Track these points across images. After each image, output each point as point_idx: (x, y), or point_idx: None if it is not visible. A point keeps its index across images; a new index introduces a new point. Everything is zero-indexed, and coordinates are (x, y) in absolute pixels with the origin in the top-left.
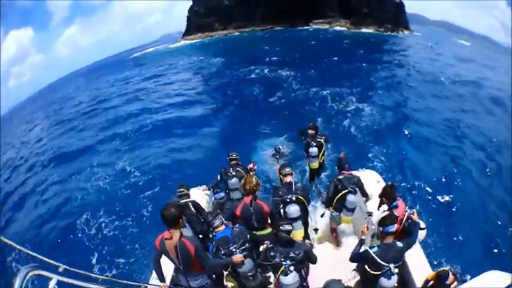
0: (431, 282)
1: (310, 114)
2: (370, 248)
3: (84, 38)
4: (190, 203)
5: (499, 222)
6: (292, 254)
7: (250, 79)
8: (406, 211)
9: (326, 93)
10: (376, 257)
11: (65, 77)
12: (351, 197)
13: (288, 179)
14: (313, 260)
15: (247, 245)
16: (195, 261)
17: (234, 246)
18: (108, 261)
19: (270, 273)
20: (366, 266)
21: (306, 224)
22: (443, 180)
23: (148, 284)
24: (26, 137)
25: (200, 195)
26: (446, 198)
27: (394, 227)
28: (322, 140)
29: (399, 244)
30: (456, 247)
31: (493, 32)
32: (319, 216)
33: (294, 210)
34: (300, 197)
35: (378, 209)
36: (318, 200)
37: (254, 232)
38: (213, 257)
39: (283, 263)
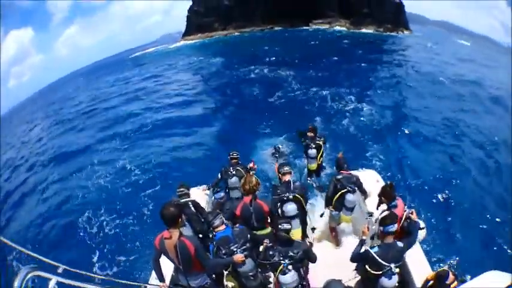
0: (431, 282)
1: (309, 113)
2: (371, 248)
3: (84, 38)
4: (190, 203)
5: (499, 221)
6: (291, 253)
7: (250, 79)
8: (405, 210)
9: (326, 93)
10: (377, 257)
11: (65, 77)
12: (350, 196)
13: (287, 177)
14: (313, 259)
15: (248, 244)
16: (195, 260)
17: (235, 245)
18: (109, 259)
19: (270, 273)
20: (367, 266)
21: (304, 223)
22: (443, 179)
23: (148, 284)
24: (26, 136)
25: (200, 195)
26: (446, 197)
27: (394, 227)
28: (321, 142)
29: (400, 244)
30: (456, 246)
31: (493, 32)
32: (319, 216)
33: (291, 208)
34: (297, 195)
35: (377, 209)
36: (317, 194)
37: (254, 232)
38: (213, 257)
39: (282, 262)
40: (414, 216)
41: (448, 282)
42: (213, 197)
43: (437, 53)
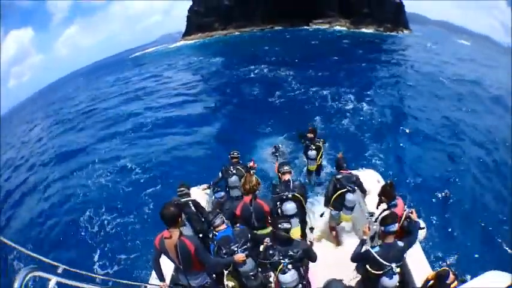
0: (431, 282)
1: (309, 113)
2: (372, 247)
3: (84, 38)
4: (190, 202)
5: (500, 221)
6: (290, 252)
7: (250, 78)
8: (405, 210)
9: (326, 92)
10: (378, 257)
11: (65, 77)
12: (349, 196)
13: (287, 177)
14: (313, 258)
15: (248, 244)
16: (195, 260)
17: (236, 245)
18: (109, 257)
19: (271, 273)
20: (368, 266)
21: (303, 222)
22: (443, 178)
23: (148, 283)
24: (26, 136)
25: (200, 195)
26: (446, 196)
27: (395, 227)
28: (320, 144)
29: (400, 243)
30: (456, 245)
31: (493, 32)
32: (319, 216)
33: (290, 207)
34: (297, 194)
35: (377, 208)
36: (317, 193)
37: (255, 231)
38: (214, 257)
39: (282, 261)
40: (414, 216)
41: (448, 282)
42: (213, 197)
43: (437, 52)
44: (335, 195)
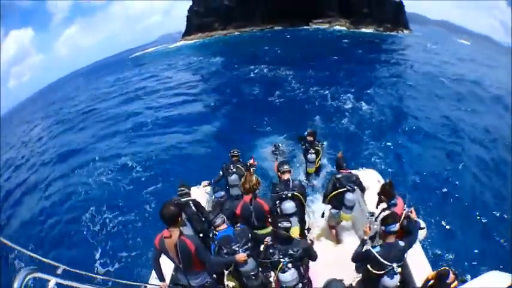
0: (431, 282)
1: (309, 112)
2: (373, 247)
3: (84, 38)
4: (190, 202)
5: (500, 220)
6: (290, 251)
7: (250, 78)
8: (405, 209)
9: (325, 92)
10: (379, 257)
11: (65, 77)
12: (349, 195)
13: (286, 176)
14: (313, 257)
15: (249, 244)
16: (195, 259)
17: (237, 245)
18: (110, 255)
19: (271, 272)
20: (369, 266)
21: (303, 221)
22: (443, 177)
23: (148, 283)
24: (26, 136)
25: (200, 194)
26: (446, 195)
27: (396, 226)
28: (319, 147)
29: (401, 243)
30: (456, 244)
31: (493, 32)
32: (320, 216)
33: (289, 206)
34: (296, 193)
35: (377, 207)
36: (316, 193)
37: (255, 231)
38: (215, 256)
39: (282, 260)
40: (413, 215)
41: (448, 281)
42: (213, 196)
43: (437, 52)
44: (333, 193)
